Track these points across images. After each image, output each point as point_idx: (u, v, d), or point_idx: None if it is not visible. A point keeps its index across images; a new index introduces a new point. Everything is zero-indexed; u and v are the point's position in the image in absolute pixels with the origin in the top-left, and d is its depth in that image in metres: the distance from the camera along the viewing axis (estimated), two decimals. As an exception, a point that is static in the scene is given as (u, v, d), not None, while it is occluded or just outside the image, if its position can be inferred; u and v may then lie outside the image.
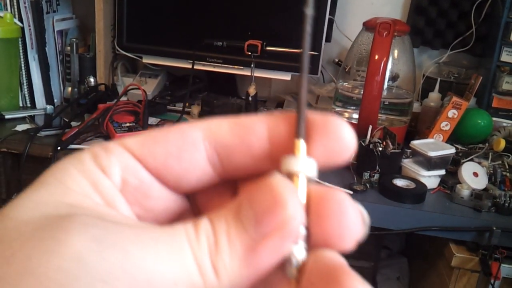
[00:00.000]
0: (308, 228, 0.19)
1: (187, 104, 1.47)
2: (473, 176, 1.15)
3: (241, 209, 0.19)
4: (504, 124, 1.45)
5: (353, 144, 0.20)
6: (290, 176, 0.20)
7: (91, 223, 0.18)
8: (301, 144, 0.20)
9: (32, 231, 0.17)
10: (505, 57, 1.44)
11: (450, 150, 1.17)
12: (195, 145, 0.21)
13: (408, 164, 1.18)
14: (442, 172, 1.16)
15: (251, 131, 0.21)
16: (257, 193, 0.19)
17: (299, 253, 0.19)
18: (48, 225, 0.17)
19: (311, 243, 0.19)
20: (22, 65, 1.46)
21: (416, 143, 1.18)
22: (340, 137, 0.20)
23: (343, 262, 0.19)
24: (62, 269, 0.16)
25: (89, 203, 0.19)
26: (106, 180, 0.20)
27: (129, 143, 0.21)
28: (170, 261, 0.18)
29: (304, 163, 0.20)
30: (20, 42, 1.43)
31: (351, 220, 0.19)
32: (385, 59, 1.17)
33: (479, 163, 1.22)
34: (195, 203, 0.24)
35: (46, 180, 0.20)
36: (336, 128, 0.20)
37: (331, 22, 1.59)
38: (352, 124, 1.28)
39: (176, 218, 0.23)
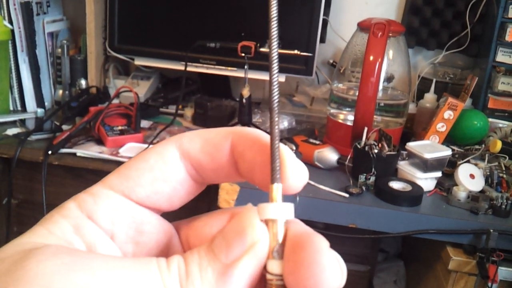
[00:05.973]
0: (284, 277, 0.19)
1: (180, 107, 1.46)
2: (470, 178, 1.14)
3: (214, 242, 0.20)
4: (500, 125, 1.45)
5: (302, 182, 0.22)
6: (267, 222, 0.20)
7: (63, 250, 0.19)
8: (276, 188, 0.21)
9: (7, 265, 0.18)
10: (501, 57, 1.44)
11: (446, 152, 1.16)
12: (175, 164, 0.22)
13: (404, 166, 1.17)
14: (439, 174, 1.15)
15: (219, 149, 0.22)
16: (228, 225, 0.20)
17: None
18: (21, 257, 0.18)
19: None
20: (12, 68, 1.44)
21: (412, 145, 1.17)
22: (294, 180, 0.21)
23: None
24: None
25: (66, 244, 0.20)
26: (90, 225, 0.21)
27: (113, 182, 0.22)
28: (138, 287, 0.18)
29: (281, 209, 0.20)
30: (10, 45, 1.41)
31: (327, 271, 0.19)
32: (380, 60, 1.16)
33: (476, 164, 1.21)
34: (180, 233, 0.25)
35: (33, 228, 0.21)
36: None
37: (325, 22, 1.58)
38: (347, 126, 1.27)
39: (166, 249, 0.24)
